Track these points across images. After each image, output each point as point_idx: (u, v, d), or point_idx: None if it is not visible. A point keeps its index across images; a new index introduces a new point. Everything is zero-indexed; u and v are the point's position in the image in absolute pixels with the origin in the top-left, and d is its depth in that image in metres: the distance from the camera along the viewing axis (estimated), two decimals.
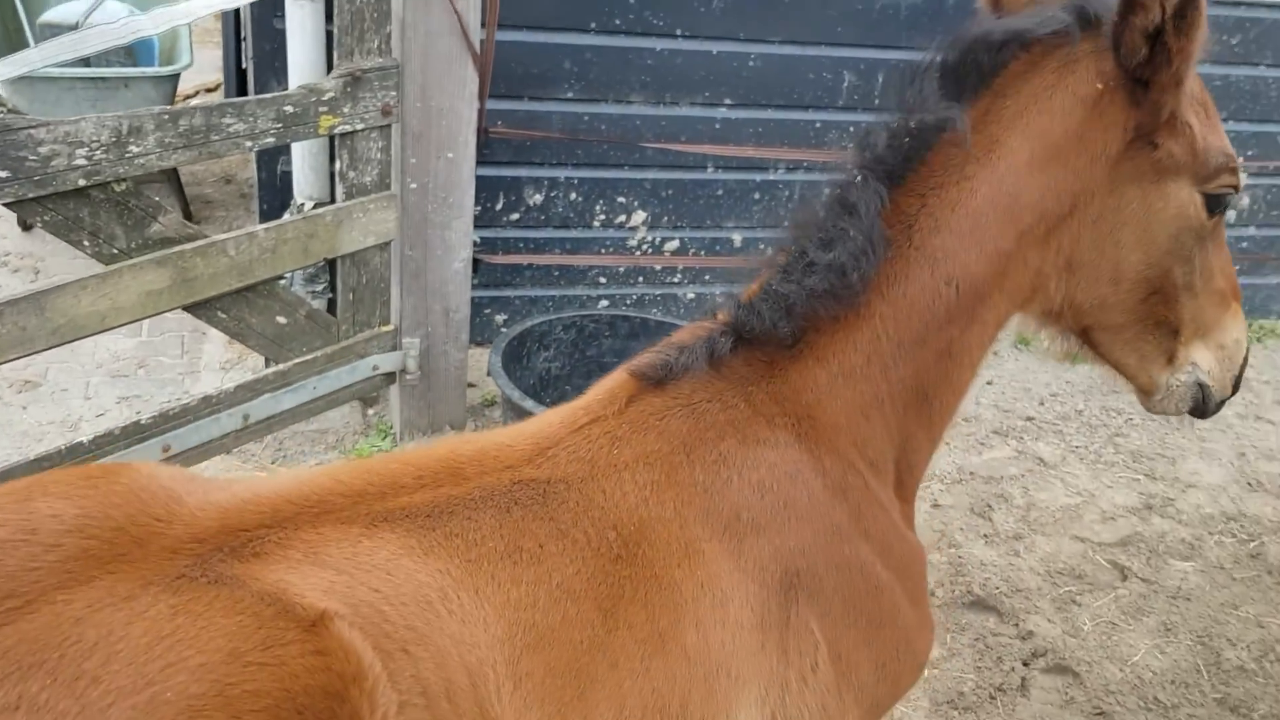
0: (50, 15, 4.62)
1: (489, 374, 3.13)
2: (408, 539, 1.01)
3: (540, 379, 3.45)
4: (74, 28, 4.55)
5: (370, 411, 3.71)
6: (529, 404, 2.91)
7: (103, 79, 4.20)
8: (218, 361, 3.93)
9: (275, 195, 3.64)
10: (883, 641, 1.36)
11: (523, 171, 3.86)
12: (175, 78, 4.44)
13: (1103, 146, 1.39)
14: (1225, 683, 2.98)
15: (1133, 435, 4.20)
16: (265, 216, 3.65)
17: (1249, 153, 4.82)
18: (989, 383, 4.44)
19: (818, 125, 4.09)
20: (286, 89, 3.39)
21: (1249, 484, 3.98)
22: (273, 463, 3.39)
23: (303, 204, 3.51)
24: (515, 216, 3.92)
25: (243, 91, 5.35)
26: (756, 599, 1.19)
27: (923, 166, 1.36)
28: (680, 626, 1.11)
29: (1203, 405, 1.67)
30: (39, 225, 2.40)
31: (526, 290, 4.09)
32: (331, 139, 3.01)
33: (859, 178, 1.34)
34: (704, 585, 1.15)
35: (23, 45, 4.65)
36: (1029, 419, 4.22)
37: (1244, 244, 5.08)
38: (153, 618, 0.82)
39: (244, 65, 4.91)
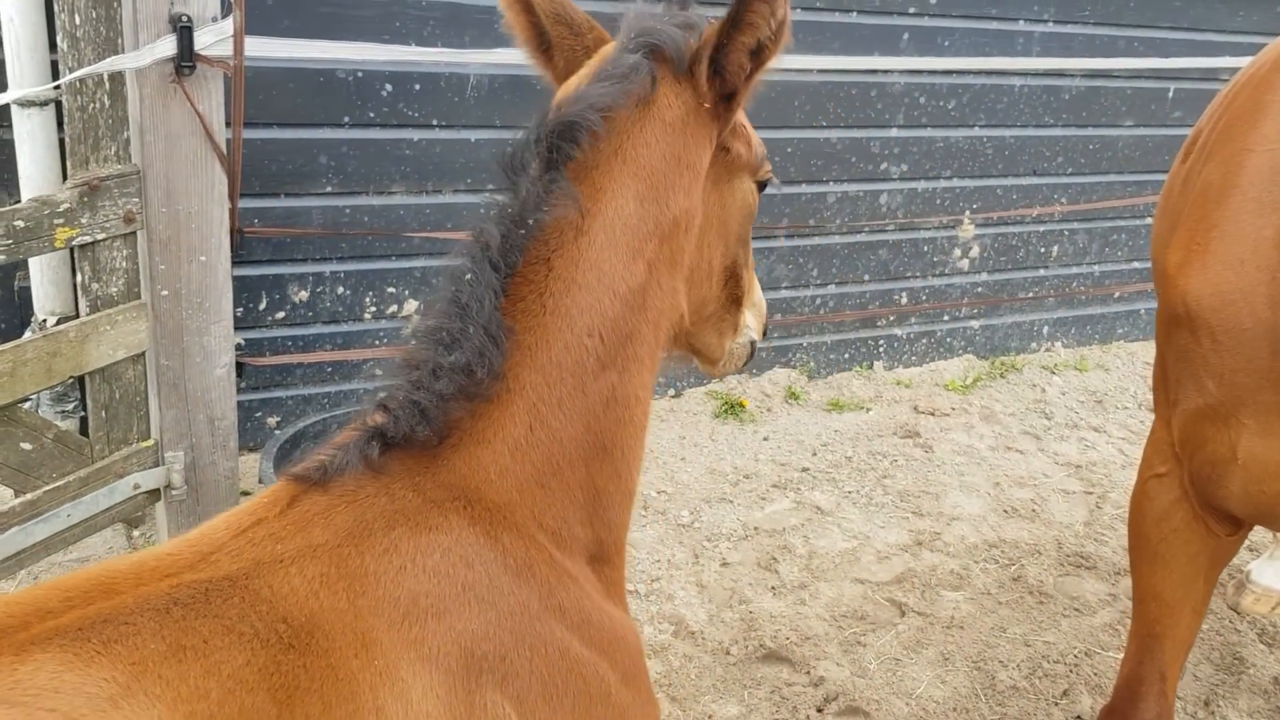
0: None
1: (260, 481, 3.02)
2: (64, 655, 0.97)
3: None
4: None
5: (136, 533, 3.50)
6: None
7: None
8: None
9: (14, 313, 3.42)
10: None
11: (285, 269, 3.78)
12: None
13: (698, 161, 1.55)
14: (1001, 703, 3.18)
15: (898, 476, 4.46)
16: (4, 336, 3.41)
17: (974, 206, 5.27)
18: (765, 439, 4.62)
19: None
20: (19, 201, 3.21)
21: (1005, 511, 4.29)
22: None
23: (44, 320, 3.31)
24: (280, 315, 3.82)
25: None
26: (442, 686, 1.19)
27: (541, 235, 1.43)
28: (359, 716, 1.10)
29: (750, 357, 1.94)
30: None
31: (299, 389, 3.98)
32: (72, 251, 2.86)
33: (469, 275, 1.39)
34: (382, 674, 1.15)
35: None
36: (804, 470, 4.41)
37: (979, 289, 5.53)
38: None
39: None
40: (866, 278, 5.13)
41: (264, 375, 3.87)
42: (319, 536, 1.22)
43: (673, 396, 4.81)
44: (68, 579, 1.09)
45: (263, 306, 3.78)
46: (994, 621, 3.57)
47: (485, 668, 1.23)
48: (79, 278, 2.89)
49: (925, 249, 5.26)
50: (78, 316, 3.32)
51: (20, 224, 2.62)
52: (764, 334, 1.95)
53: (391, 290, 4.00)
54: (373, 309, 3.99)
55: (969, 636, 3.48)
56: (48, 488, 2.88)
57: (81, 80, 2.70)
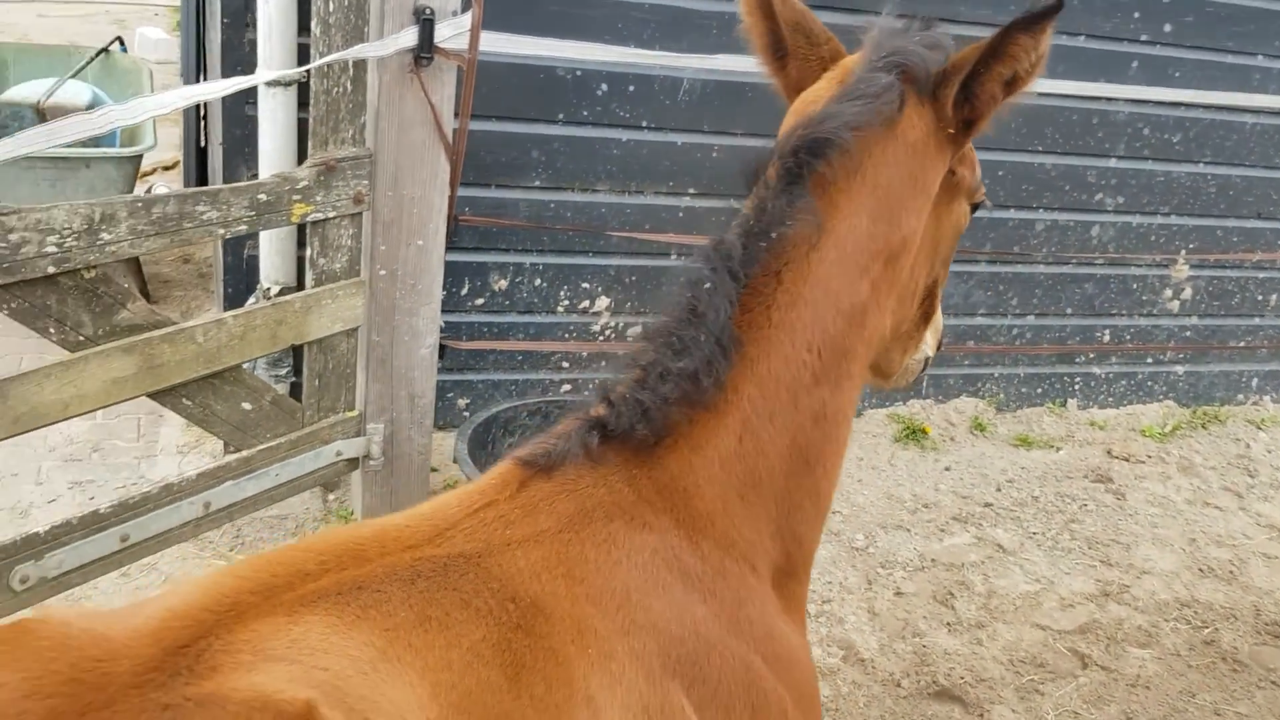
0: (11, 94, 4.60)
1: (454, 460, 3.11)
2: (329, 618, 1.02)
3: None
4: (35, 106, 4.55)
5: (330, 497, 3.66)
6: None
7: (64, 159, 4.18)
8: (175, 445, 3.87)
9: (240, 279, 3.62)
10: None
11: (488, 258, 3.89)
12: (138, 158, 4.43)
13: (931, 183, 1.54)
14: None
15: (1087, 521, 4.27)
16: (229, 301, 3.62)
17: (1190, 245, 4.99)
18: (947, 469, 4.49)
19: None
20: (256, 175, 3.41)
21: (1200, 569, 4.05)
22: (231, 550, 3.32)
23: (268, 289, 3.50)
24: (480, 302, 3.94)
25: (202, 171, 5.36)
26: (644, 682, 1.21)
27: (775, 248, 1.43)
28: (573, 703, 1.12)
29: (922, 374, 1.89)
30: (4, 313, 2.36)
31: (490, 374, 4.09)
32: (301, 225, 3.02)
33: (708, 284, 1.40)
34: (594, 664, 1.17)
35: None
36: (987, 505, 4.27)
37: (1188, 333, 5.23)
38: None
39: (203, 144, 4.93)
40: (1069, 311, 4.93)
41: (458, 358, 4.00)
42: (544, 522, 1.26)
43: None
44: (317, 541, 1.14)
45: (464, 292, 3.90)
46: (1182, 685, 3.37)
47: (678, 671, 1.25)
48: (308, 251, 3.04)
49: (1134, 287, 5.01)
50: (298, 287, 3.50)
51: (263, 198, 2.77)
52: (938, 349, 1.92)
53: (585, 286, 4.06)
54: (566, 303, 4.06)
55: (1154, 698, 3.30)
56: (261, 447, 3.05)
57: (329, 65, 2.84)
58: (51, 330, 2.46)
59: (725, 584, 1.34)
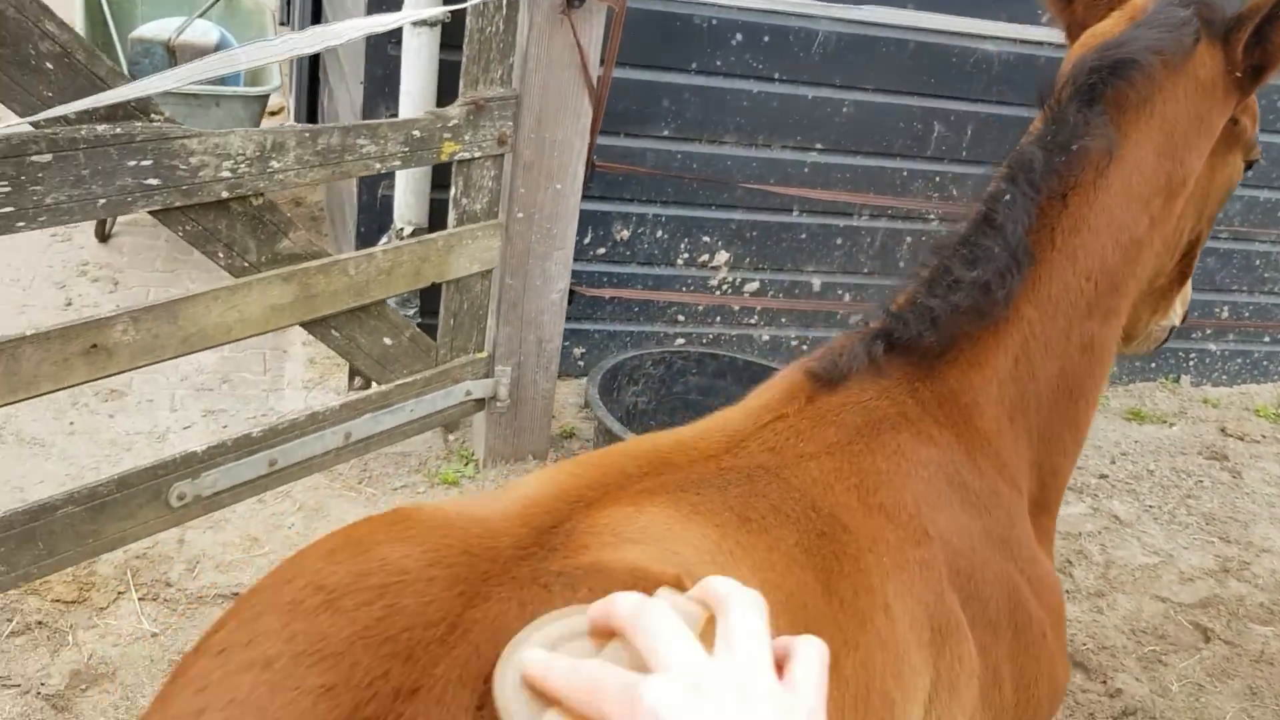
0: (142, 31, 4.69)
1: (586, 404, 3.14)
2: (667, 511, 1.04)
3: (627, 412, 3.46)
4: (165, 44, 4.62)
5: (451, 437, 3.72)
6: (629, 435, 2.92)
7: (194, 96, 4.25)
8: (300, 380, 3.95)
9: (374, 219, 3.67)
10: (1026, 661, 1.38)
11: (612, 207, 3.89)
12: (265, 98, 4.50)
13: (1215, 126, 1.52)
14: None
15: (1204, 498, 4.19)
16: (362, 239, 3.67)
17: None
18: None
19: (904, 174, 4.13)
20: (396, 114, 3.44)
21: None
22: (359, 483, 3.39)
23: (401, 229, 3.54)
24: (601, 251, 3.95)
25: (312, 111, 5.42)
26: (930, 594, 1.22)
27: (1070, 165, 1.43)
28: (874, 609, 1.14)
29: (1165, 342, 1.87)
30: (179, 234, 2.42)
31: (606, 324, 4.11)
32: (445, 166, 3.04)
33: (1006, 195, 1.40)
34: (888, 573, 1.18)
35: (114, 59, 4.71)
36: (1102, 476, 4.21)
37: None
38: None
39: (314, 86, 4.99)
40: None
41: (575, 307, 4.02)
42: (833, 435, 1.28)
43: None
44: (627, 449, 1.17)
45: (586, 240, 3.92)
46: None
47: (957, 585, 1.26)
48: (452, 191, 3.07)
49: (1257, 263, 4.89)
50: (430, 229, 3.54)
51: (417, 134, 2.80)
52: (1183, 320, 1.87)
53: (706, 239, 4.05)
54: (686, 255, 4.06)
55: (1278, 674, 3.25)
56: (399, 382, 3.10)
57: (484, 4, 2.86)
58: (220, 254, 2.52)
59: (998, 504, 1.35)
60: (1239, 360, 5.11)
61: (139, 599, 2.74)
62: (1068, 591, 3.47)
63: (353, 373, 3.91)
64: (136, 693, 2.46)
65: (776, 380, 1.38)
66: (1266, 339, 5.10)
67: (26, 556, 2.34)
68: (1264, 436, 4.78)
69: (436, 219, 3.54)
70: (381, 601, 0.83)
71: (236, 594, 2.81)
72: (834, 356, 1.36)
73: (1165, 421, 4.76)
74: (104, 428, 3.48)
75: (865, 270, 4.31)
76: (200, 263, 4.75)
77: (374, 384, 3.14)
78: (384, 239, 3.63)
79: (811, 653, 0.68)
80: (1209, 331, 4.99)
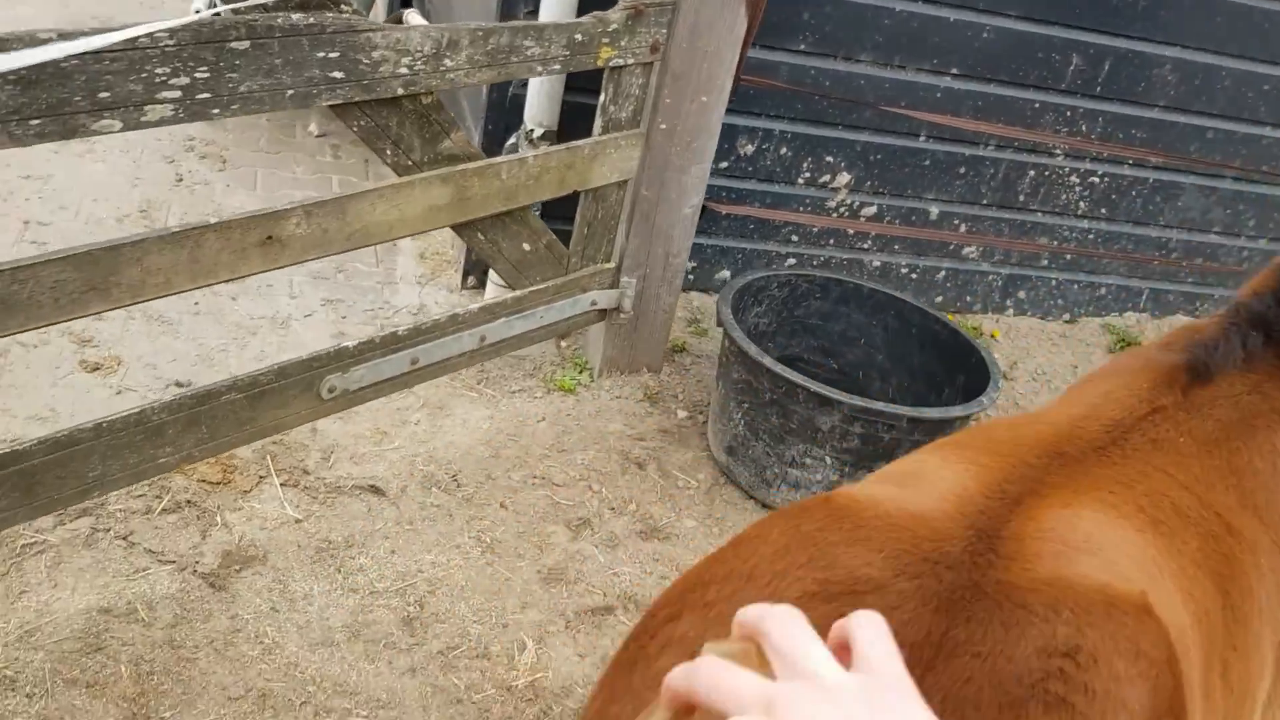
0: None
1: (718, 323, 3.13)
2: (1098, 513, 1.02)
3: (749, 332, 3.44)
4: None
5: (564, 344, 3.72)
6: (766, 360, 2.92)
7: None
8: (412, 275, 3.95)
9: (502, 117, 3.62)
10: None
11: (739, 120, 3.82)
12: None
13: None
14: None
15: None
16: (489, 138, 3.63)
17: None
18: None
19: (1036, 105, 4.02)
20: (536, 16, 3.37)
21: None
22: (478, 383, 3.42)
23: (531, 129, 3.50)
24: (724, 165, 3.89)
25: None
26: None
27: None
28: (1251, 614, 1.12)
29: None
30: (354, 129, 2.40)
31: (719, 240, 4.07)
32: (596, 71, 2.98)
33: None
34: (1262, 576, 1.16)
35: None
36: None
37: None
38: (1054, 644, 0.83)
39: None
40: None
41: None
42: (1210, 429, 1.25)
43: (1066, 321, 4.64)
44: (1007, 434, 1.15)
45: None
46: None
47: None
48: (602, 98, 3.02)
49: None
50: (558, 131, 3.50)
51: (579, 38, 2.75)
52: None
53: (829, 159, 3.98)
54: (807, 174, 4.00)
55: None
56: (533, 289, 3.10)
57: None
58: (388, 151, 2.50)
59: None
60: None
61: (280, 484, 2.80)
62: None
63: (466, 271, 3.92)
64: (287, 577, 2.52)
65: (1133, 364, 1.34)
66: None
67: (191, 439, 2.38)
68: None
69: (565, 122, 3.49)
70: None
71: (373, 486, 2.86)
72: (1204, 346, 1.33)
73: None
74: (228, 310, 3.51)
75: (984, 202, 4.23)
76: (303, 145, 4.73)
77: (484, 286, 3.14)
78: (511, 139, 3.59)
79: (869, 628, 0.62)
80: None
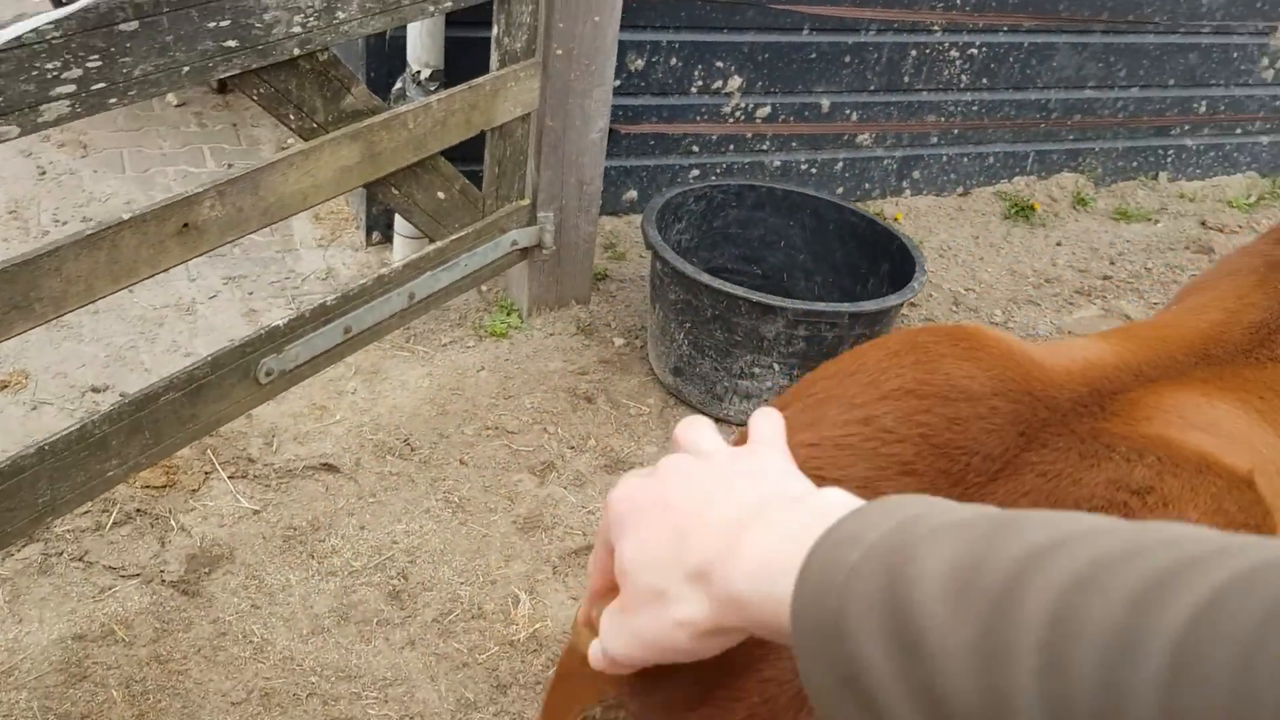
0: None
1: (648, 246, 3.09)
2: (1238, 410, 0.99)
3: (673, 250, 3.42)
4: None
5: (484, 288, 3.65)
6: (704, 278, 2.91)
7: None
8: (311, 239, 3.80)
9: (383, 62, 3.47)
10: None
11: (626, 36, 3.73)
12: None
13: None
14: None
15: None
16: (373, 87, 3.48)
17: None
18: (1058, 244, 4.54)
19: None
20: None
21: None
22: (407, 342, 3.33)
23: (418, 71, 3.36)
24: (617, 84, 3.81)
25: None
26: None
27: None
28: None
29: None
30: (254, 98, 2.26)
31: (621, 160, 4.01)
32: (480, 4, 2.87)
33: None
34: None
35: None
36: (1105, 277, 4.35)
37: (1278, 103, 5.22)
38: (1127, 481, 0.81)
39: None
40: (1171, 82, 4.89)
41: None
42: None
43: (960, 195, 4.73)
44: (1154, 333, 1.13)
45: None
46: None
47: None
48: (495, 30, 2.91)
49: (1234, 56, 4.96)
50: (446, 71, 3.38)
51: None
52: None
53: (719, 65, 3.94)
54: (699, 83, 3.96)
55: None
56: (453, 237, 3.01)
57: None
58: (291, 116, 2.37)
59: None
60: (1212, 154, 5.25)
61: (228, 477, 2.69)
62: None
63: (369, 228, 3.79)
64: (260, 571, 2.45)
65: (1253, 262, 1.30)
66: (1239, 130, 5.24)
67: (136, 447, 2.26)
68: (1240, 227, 4.96)
69: (453, 60, 3.37)
70: (944, 412, 0.82)
71: (325, 464, 2.78)
72: None
73: (1149, 219, 4.90)
74: (127, 304, 3.33)
75: (872, 88, 4.26)
76: (164, 118, 4.47)
77: (391, 241, 3.04)
78: (398, 84, 3.45)
79: (762, 416, 0.75)
80: (1186, 127, 5.10)
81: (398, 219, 3.57)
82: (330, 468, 2.78)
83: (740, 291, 2.83)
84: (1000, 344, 0.94)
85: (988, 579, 0.49)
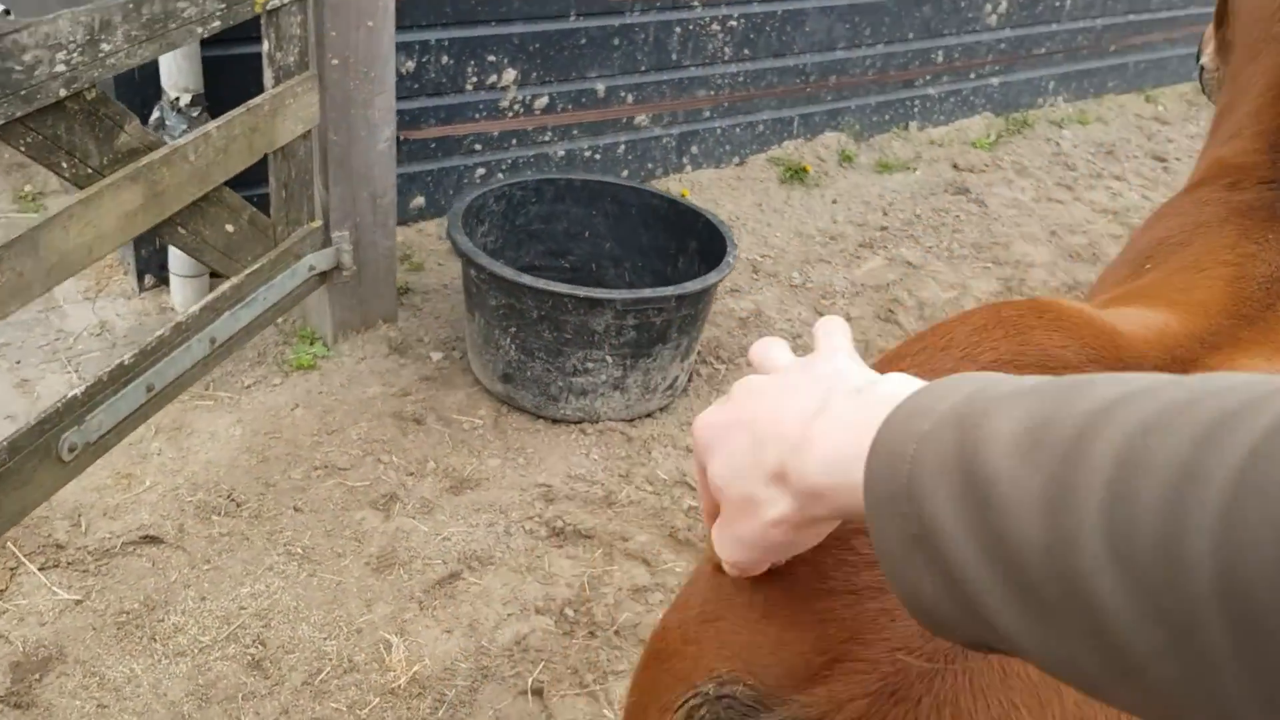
0: None
1: (459, 253, 2.99)
2: None
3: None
4: None
5: (280, 320, 3.43)
6: (527, 279, 2.84)
7: None
8: (76, 293, 3.46)
9: (135, 92, 3.19)
10: None
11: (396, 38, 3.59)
12: None
13: None
14: None
15: (966, 230, 4.66)
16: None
17: None
18: (834, 201, 4.73)
19: None
20: None
21: (1069, 255, 4.55)
22: (207, 390, 3.09)
23: (177, 97, 3.11)
24: None
25: None
26: None
27: None
28: None
29: None
30: (22, 150, 2.01)
31: (404, 168, 3.86)
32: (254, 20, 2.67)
33: None
34: None
35: None
36: (883, 229, 4.56)
37: (1002, 46, 5.62)
38: None
39: None
40: (910, 35, 5.16)
41: None
42: None
43: (737, 165, 4.84)
44: (1209, 300, 1.13)
45: None
46: None
47: None
48: (265, 46, 2.72)
49: (962, 4, 5.29)
50: (207, 94, 3.14)
51: None
52: None
53: (492, 59, 3.85)
54: (474, 79, 3.85)
55: None
56: (248, 271, 2.81)
57: None
58: (64, 164, 2.13)
59: None
60: (952, 100, 5.59)
61: (39, 569, 2.42)
62: (898, 336, 3.81)
63: (140, 272, 3.49)
64: (98, 665, 2.21)
65: (1220, 212, 1.33)
66: (972, 75, 5.60)
67: None
68: (987, 166, 5.32)
69: (211, 83, 3.14)
70: None
71: (146, 537, 2.54)
72: None
73: (909, 168, 5.17)
74: None
75: (643, 68, 4.28)
76: None
77: (167, 283, 2.82)
78: (155, 113, 3.17)
79: (828, 324, 0.79)
80: (928, 77, 5.41)
81: (172, 257, 3.31)
82: (152, 539, 2.54)
83: (567, 289, 2.78)
84: (1081, 314, 0.96)
85: (1058, 432, 0.51)
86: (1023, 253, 4.53)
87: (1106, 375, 0.54)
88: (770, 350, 0.78)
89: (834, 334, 0.76)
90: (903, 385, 0.64)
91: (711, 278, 2.94)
